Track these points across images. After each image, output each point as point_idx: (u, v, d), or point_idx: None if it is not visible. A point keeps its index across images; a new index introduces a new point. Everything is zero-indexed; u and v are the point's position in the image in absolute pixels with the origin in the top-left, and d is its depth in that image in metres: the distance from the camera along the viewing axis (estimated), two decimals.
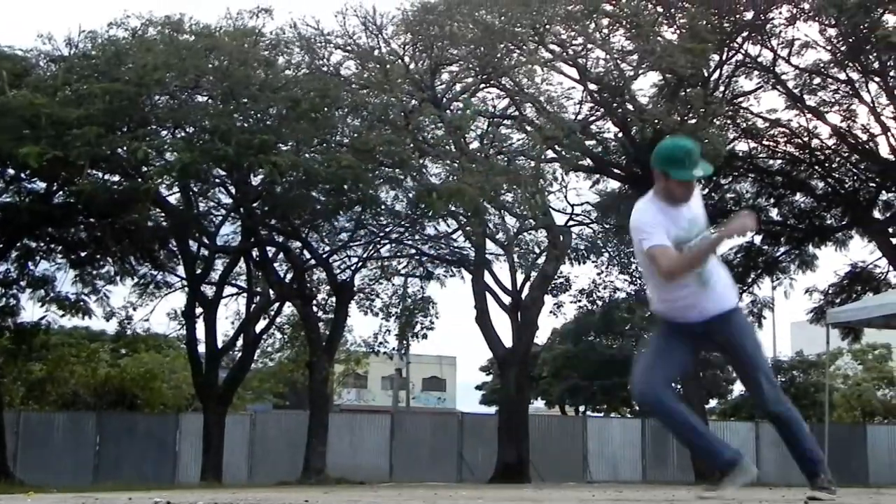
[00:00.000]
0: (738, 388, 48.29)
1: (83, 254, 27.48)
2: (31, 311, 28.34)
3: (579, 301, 34.42)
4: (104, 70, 22.56)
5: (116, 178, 24.29)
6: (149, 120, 23.30)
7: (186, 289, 28.31)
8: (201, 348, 27.95)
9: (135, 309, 29.46)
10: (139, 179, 22.50)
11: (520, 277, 29.84)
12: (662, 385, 6.40)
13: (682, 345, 6.49)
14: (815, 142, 29.86)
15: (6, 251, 26.54)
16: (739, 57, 28.32)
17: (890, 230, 29.74)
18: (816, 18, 26.74)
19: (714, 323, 6.34)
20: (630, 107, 27.70)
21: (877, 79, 27.67)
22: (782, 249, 31.49)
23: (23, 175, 24.31)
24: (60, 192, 25.38)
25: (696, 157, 6.29)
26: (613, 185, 31.83)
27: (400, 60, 27.18)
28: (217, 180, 25.92)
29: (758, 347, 6.51)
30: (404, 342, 33.49)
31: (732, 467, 6.33)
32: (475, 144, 27.61)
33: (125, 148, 21.57)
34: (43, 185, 25.30)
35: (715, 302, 6.35)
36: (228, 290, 29.29)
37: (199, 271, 27.87)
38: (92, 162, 21.61)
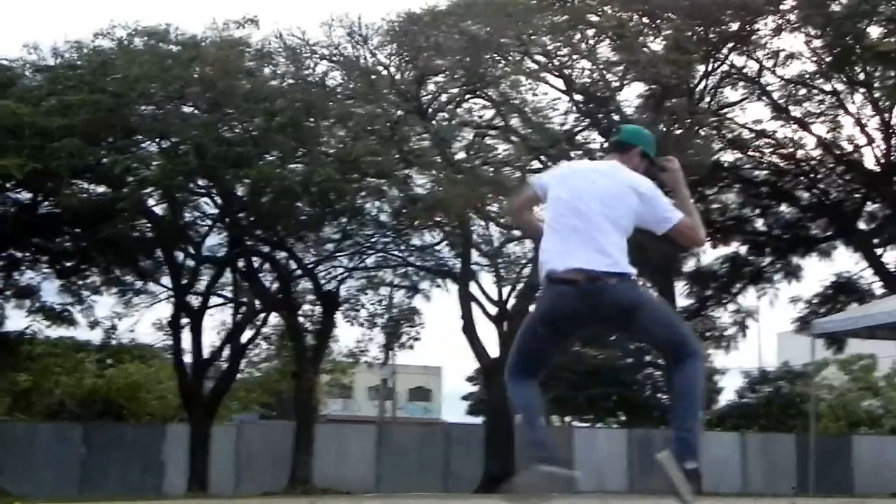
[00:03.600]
0: (724, 399, 48.31)
1: (68, 264, 27.42)
2: (15, 320, 28.31)
3: None
4: (89, 80, 22.59)
5: (101, 188, 24.26)
6: (134, 130, 23.29)
7: (172, 299, 28.27)
8: (187, 358, 27.91)
9: (120, 319, 29.39)
10: (123, 190, 22.48)
11: (506, 288, 29.83)
12: None
13: None
14: (800, 152, 29.90)
15: None
16: (725, 68, 28.36)
17: (874, 241, 29.77)
18: (802, 29, 26.79)
19: None
20: (615, 117, 27.74)
21: (862, 90, 27.73)
22: (767, 260, 31.51)
23: (7, 185, 24.26)
24: (45, 203, 25.34)
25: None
26: None
27: (385, 71, 27.22)
28: (202, 191, 25.89)
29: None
30: (390, 352, 33.43)
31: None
32: (461, 155, 27.60)
33: (108, 159, 21.55)
34: (28, 195, 25.26)
35: None
36: (214, 300, 29.25)
37: (184, 281, 27.83)
38: (75, 173, 21.63)
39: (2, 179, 23.36)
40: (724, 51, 27.71)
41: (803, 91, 28.63)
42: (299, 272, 28.84)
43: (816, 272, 47.29)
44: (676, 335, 5.77)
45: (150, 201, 25.29)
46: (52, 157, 20.40)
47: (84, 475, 29.53)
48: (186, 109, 24.30)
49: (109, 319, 29.24)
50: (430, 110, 26.98)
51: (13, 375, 32.54)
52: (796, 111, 28.88)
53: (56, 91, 22.17)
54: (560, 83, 27.90)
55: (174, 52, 23.85)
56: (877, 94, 27.49)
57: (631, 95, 30.96)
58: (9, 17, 77.51)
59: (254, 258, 28.09)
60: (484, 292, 29.50)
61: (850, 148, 29.31)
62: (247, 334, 29.61)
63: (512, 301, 29.37)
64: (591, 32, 27.29)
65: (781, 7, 26.65)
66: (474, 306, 28.73)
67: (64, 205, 21.81)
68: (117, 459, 29.93)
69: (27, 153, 20.23)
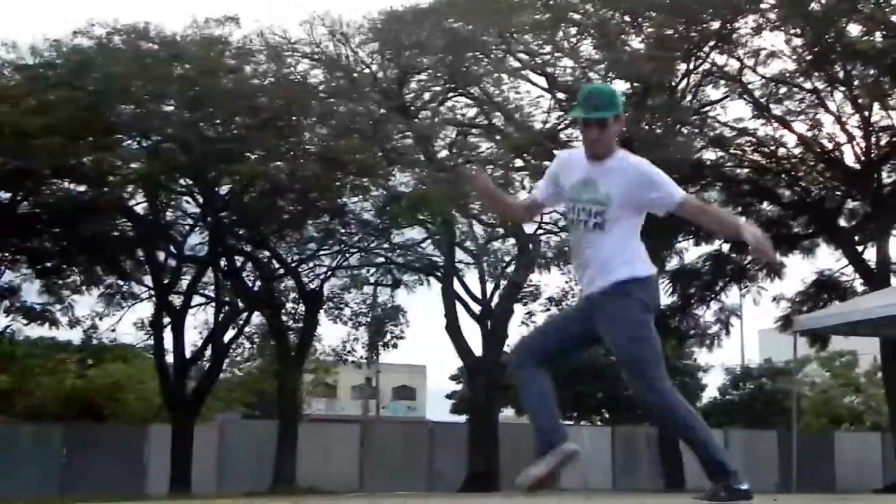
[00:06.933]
0: (707, 395, 48.43)
1: (49, 264, 27.25)
2: None
3: (549, 309, 34.50)
4: (69, 79, 22.47)
5: (82, 187, 24.16)
6: (114, 129, 23.20)
7: (154, 298, 28.16)
8: (169, 358, 27.81)
9: (101, 319, 29.24)
10: (104, 189, 22.41)
11: (489, 286, 29.81)
12: (535, 354, 5.86)
13: (578, 318, 5.81)
14: (781, 151, 29.92)
15: None
16: (706, 66, 28.40)
17: (855, 238, 29.84)
18: (782, 28, 26.84)
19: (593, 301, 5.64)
20: None
21: (842, 88, 27.77)
22: (750, 257, 31.53)
23: None
24: (24, 202, 25.21)
25: (590, 98, 5.55)
26: None
27: (368, 69, 27.19)
28: (183, 189, 25.81)
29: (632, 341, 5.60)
30: (374, 351, 33.38)
31: (551, 449, 5.84)
32: (444, 153, 27.60)
33: (90, 158, 21.46)
34: (7, 195, 25.13)
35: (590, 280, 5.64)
36: (197, 299, 29.12)
37: (166, 281, 27.73)
38: (56, 172, 21.51)
39: None
40: (706, 49, 27.74)
41: (784, 89, 28.63)
42: (282, 271, 28.77)
43: (799, 270, 47.38)
44: None
45: (132, 200, 25.21)
46: (32, 156, 20.29)
47: (65, 476, 29.36)
48: (167, 108, 24.23)
49: (90, 319, 29.16)
50: (412, 108, 26.98)
51: None
52: (777, 109, 28.90)
53: (35, 90, 22.08)
54: (542, 81, 27.93)
55: (154, 50, 23.78)
56: (856, 92, 27.54)
57: None
58: None
59: (236, 257, 28.00)
60: (468, 291, 29.49)
61: (830, 146, 29.36)
62: (229, 334, 29.48)
63: (496, 299, 29.35)
64: (573, 30, 27.37)
65: (761, 6, 26.70)
66: (458, 305, 28.71)
67: (45, 203, 21.67)
68: (99, 460, 29.77)
69: (6, 153, 20.10)
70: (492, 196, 6.08)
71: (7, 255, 27.25)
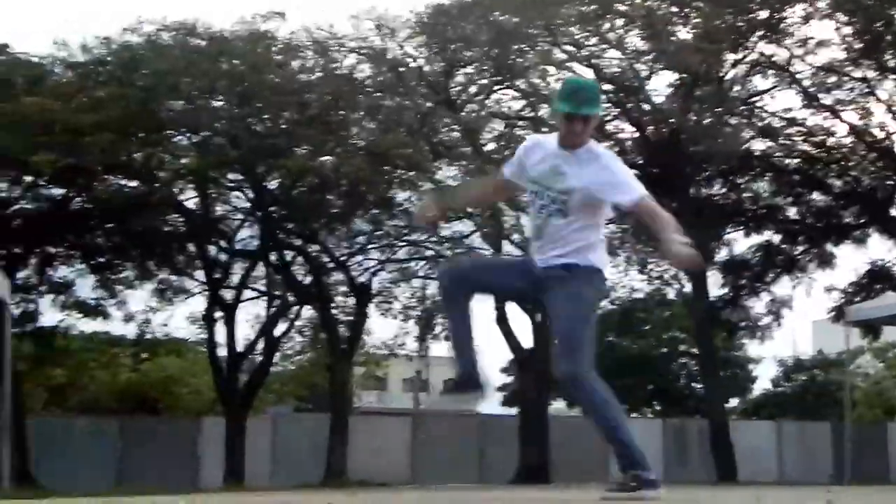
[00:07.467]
0: (758, 387, 48.16)
1: (102, 259, 27.63)
2: (50, 317, 28.56)
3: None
4: (119, 76, 22.78)
5: (133, 183, 24.46)
6: (163, 125, 23.47)
7: (206, 293, 28.43)
8: (222, 352, 28.10)
9: (154, 313, 29.58)
10: (155, 185, 22.70)
11: None
12: (469, 285, 6.08)
13: (520, 274, 6.08)
14: (831, 140, 29.72)
15: (26, 257, 26.70)
16: (754, 56, 28.24)
17: None
18: (831, 16, 26.66)
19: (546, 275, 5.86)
20: (645, 106, 27.69)
21: (892, 76, 27.54)
22: (801, 248, 31.35)
23: (40, 182, 24.50)
24: (78, 199, 25.57)
25: (579, 93, 5.71)
26: None
27: (414, 63, 27.28)
28: (233, 184, 26.06)
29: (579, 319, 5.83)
30: (424, 344, 33.47)
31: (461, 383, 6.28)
32: (491, 146, 27.63)
33: (140, 154, 21.76)
34: (61, 191, 25.50)
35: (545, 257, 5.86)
36: (248, 293, 29.37)
37: (217, 275, 27.98)
38: (107, 168, 21.81)
39: (34, 176, 23.67)
40: (754, 39, 27.60)
41: (833, 79, 28.44)
42: (332, 265, 28.92)
43: (851, 260, 46.98)
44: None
45: (182, 196, 25.47)
46: (84, 153, 20.60)
47: (120, 469, 29.72)
48: (216, 103, 24.47)
49: (143, 313, 29.51)
50: (458, 102, 27.04)
51: (49, 370, 32.84)
52: (826, 99, 28.73)
53: (86, 87, 22.41)
54: (589, 73, 27.88)
55: (202, 46, 24.02)
56: None
57: (660, 84, 30.90)
58: (38, 14, 78.27)
59: (286, 251, 28.20)
60: None
61: (881, 135, 29.13)
62: (280, 327, 29.69)
63: None
64: (619, 22, 27.30)
65: None
66: None
67: (97, 199, 22.02)
68: (153, 453, 30.08)
69: (59, 150, 20.43)
70: (448, 208, 6.30)
71: (61, 250, 27.67)
